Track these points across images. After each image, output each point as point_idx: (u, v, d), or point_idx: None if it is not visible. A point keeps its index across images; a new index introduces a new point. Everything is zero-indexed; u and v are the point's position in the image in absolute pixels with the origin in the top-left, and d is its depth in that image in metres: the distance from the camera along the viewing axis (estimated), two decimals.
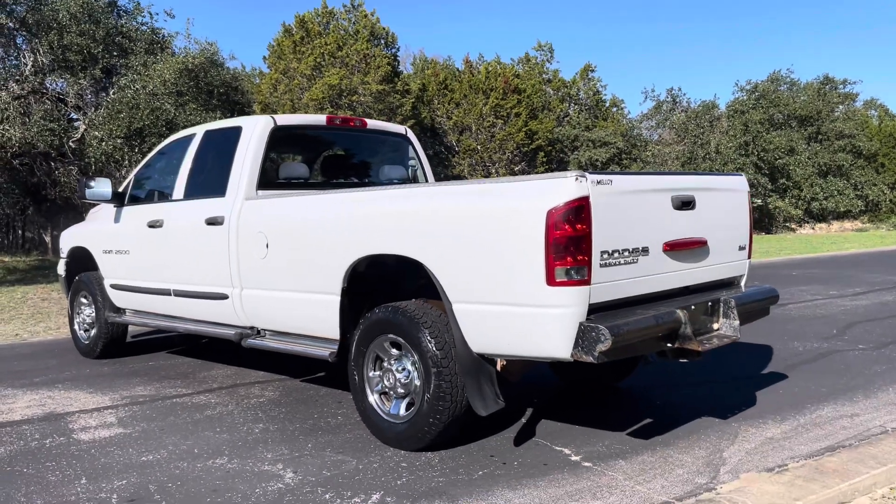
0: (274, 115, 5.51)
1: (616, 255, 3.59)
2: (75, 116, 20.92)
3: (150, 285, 6.10)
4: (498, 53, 47.09)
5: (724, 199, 4.45)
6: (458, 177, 25.72)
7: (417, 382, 4.08)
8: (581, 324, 3.42)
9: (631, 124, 35.12)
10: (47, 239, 33.09)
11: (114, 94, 20.06)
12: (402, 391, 4.19)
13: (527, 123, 26.74)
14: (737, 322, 4.10)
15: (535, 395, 5.29)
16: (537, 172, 27.73)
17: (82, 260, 7.15)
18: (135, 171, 6.54)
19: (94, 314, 6.97)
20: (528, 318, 3.54)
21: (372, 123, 6.15)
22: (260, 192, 5.30)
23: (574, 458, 4.03)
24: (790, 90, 37.70)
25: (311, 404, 5.22)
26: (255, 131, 5.38)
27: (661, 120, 39.30)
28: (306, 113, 22.95)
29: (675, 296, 4.10)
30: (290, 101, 23.32)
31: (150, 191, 6.44)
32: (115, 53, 20.72)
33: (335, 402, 5.28)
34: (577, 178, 3.42)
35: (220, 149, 5.71)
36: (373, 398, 4.33)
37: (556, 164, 29.82)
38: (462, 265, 3.78)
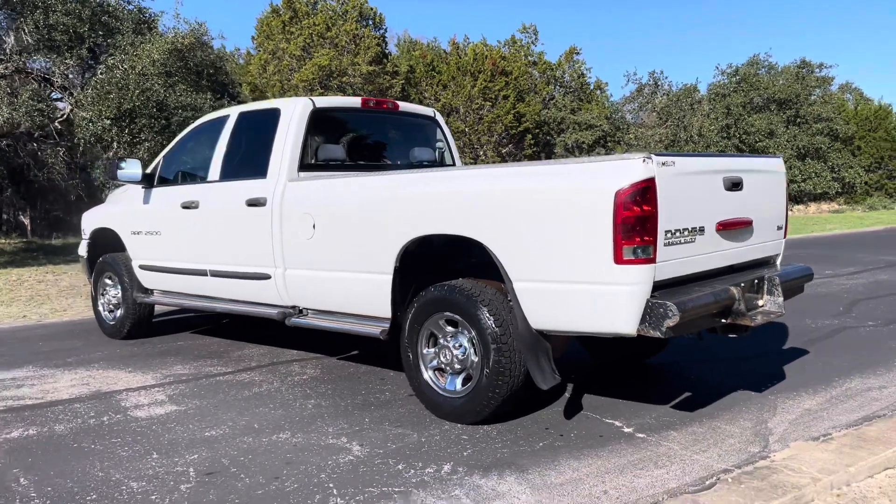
0: (312, 97, 5.57)
1: (677, 234, 3.74)
2: (60, 96, 20.64)
3: (184, 266, 6.15)
4: (484, 35, 46.84)
5: (766, 181, 4.62)
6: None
7: (475, 358, 4.22)
8: (649, 300, 3.57)
9: (615, 107, 35.35)
10: (25, 221, 32.63)
11: (101, 73, 19.82)
12: (459, 367, 4.32)
13: (515, 106, 26.82)
14: (781, 298, 4.28)
15: (572, 372, 5.45)
16: (525, 155, 27.89)
17: (106, 241, 7.18)
18: (163, 152, 6.56)
19: (119, 295, 7.00)
20: (594, 296, 3.68)
21: (403, 106, 6.23)
22: (301, 174, 5.37)
23: (626, 429, 4.20)
24: (769, 74, 38.18)
25: (354, 381, 5.34)
26: (294, 113, 5.44)
27: (644, 103, 39.56)
28: (296, 94, 22.84)
29: (721, 274, 4.27)
30: (280, 82, 23.18)
31: (182, 172, 6.47)
32: (101, 33, 20.45)
33: (377, 378, 5.40)
34: (643, 160, 3.55)
35: (257, 130, 5.76)
36: (428, 374, 4.46)
37: (544, 146, 29.97)
38: (525, 245, 3.90)
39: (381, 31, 25.63)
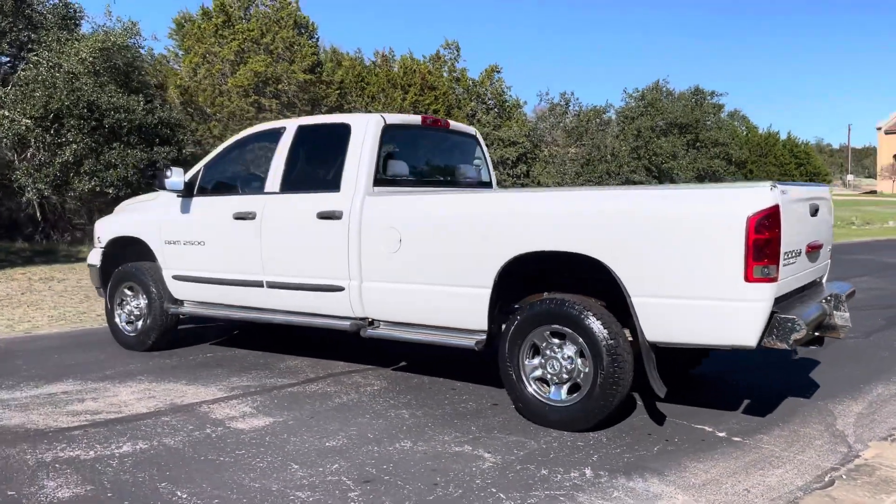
0: (382, 114, 5.70)
1: (789, 255, 4.17)
2: None
3: (234, 277, 6.09)
4: (410, 49, 47.20)
5: (827, 207, 5.14)
6: None
7: (586, 369, 4.48)
8: (777, 315, 3.96)
9: (533, 125, 36.48)
10: None
11: (23, 70, 18.81)
12: (566, 377, 4.58)
13: None
14: (847, 313, 4.79)
15: None
16: None
17: (124, 251, 6.99)
18: (203, 162, 6.46)
19: (142, 305, 6.81)
20: (722, 311, 4.04)
21: (453, 124, 6.45)
22: (376, 189, 5.49)
23: (720, 434, 4.58)
24: (667, 99, 40.52)
25: (426, 391, 5.48)
26: (368, 129, 5.56)
27: (556, 122, 41.00)
28: (230, 99, 22.37)
29: (798, 292, 4.74)
30: (212, 87, 22.62)
31: (228, 182, 6.41)
32: (22, 27, 19.42)
33: (448, 388, 5.56)
34: (771, 188, 3.96)
35: (324, 144, 5.84)
36: (531, 385, 4.69)
37: None
38: (648, 263, 4.22)
39: (314, 40, 25.50)
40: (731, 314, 4.03)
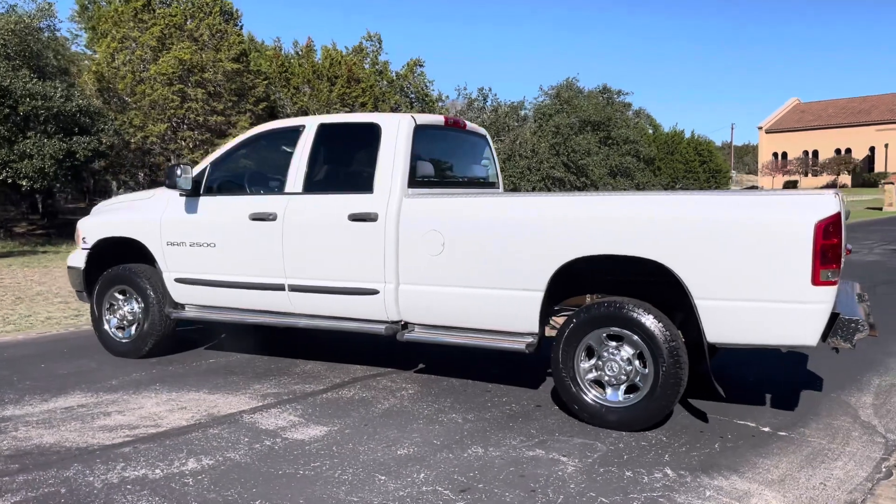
0: (412, 115, 5.62)
1: (842, 259, 4.40)
2: None
3: (250, 280, 5.86)
4: (334, 40, 46.33)
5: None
6: None
7: (644, 370, 4.59)
8: (842, 317, 4.19)
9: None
10: None
11: None
12: (624, 378, 4.67)
13: None
14: (870, 314, 5.10)
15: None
16: None
17: (113, 252, 6.61)
18: (209, 160, 6.16)
19: (136, 310, 6.45)
20: (789, 313, 4.23)
21: (469, 125, 6.42)
22: (410, 191, 5.41)
23: (764, 429, 4.79)
24: (580, 97, 41.68)
25: (464, 394, 5.45)
26: (400, 130, 5.47)
27: (474, 117, 41.38)
28: (153, 87, 21.36)
29: None
30: (132, 74, 21.54)
31: (239, 182, 6.15)
32: None
33: (481, 391, 5.56)
34: (834, 195, 4.17)
35: (350, 144, 5.71)
36: (587, 388, 4.76)
37: None
38: (714, 266, 4.36)
39: (239, 27, 24.71)
40: (798, 316, 4.22)
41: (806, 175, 75.82)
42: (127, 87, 21.61)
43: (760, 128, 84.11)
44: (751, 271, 4.29)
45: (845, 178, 72.30)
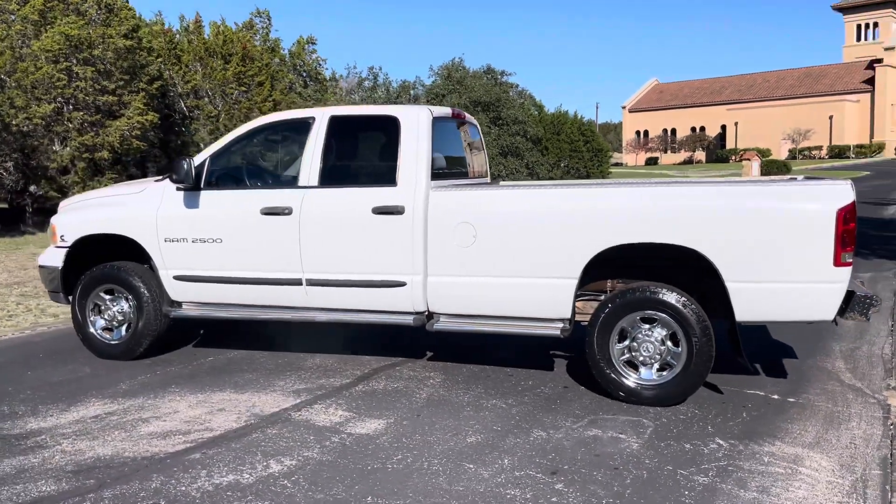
0: (428, 107, 5.68)
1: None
2: None
3: (263, 275, 5.75)
4: (223, 16, 44.19)
5: None
6: (196, 143, 24.23)
7: (677, 349, 4.94)
8: (858, 294, 4.68)
9: (349, 99, 36.21)
10: None
11: None
12: (658, 357, 5.01)
13: (271, 94, 26.27)
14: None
15: None
16: None
17: (96, 250, 6.27)
18: (208, 152, 5.93)
19: (126, 309, 6.16)
20: (812, 292, 4.69)
21: (466, 116, 6.53)
22: (433, 183, 5.49)
23: (775, 396, 5.27)
24: (467, 77, 42.26)
25: (491, 380, 5.62)
26: (420, 123, 5.53)
27: (366, 96, 41.04)
28: (37, 65, 19.80)
29: None
30: (11, 50, 19.88)
31: (243, 176, 5.97)
32: None
33: (506, 375, 5.75)
34: (850, 185, 4.65)
35: (368, 137, 5.72)
36: (622, 368, 5.06)
37: None
38: (743, 251, 4.75)
39: (126, 2, 23.25)
40: (820, 294, 4.69)
41: (665, 152, 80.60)
42: (6, 65, 19.93)
43: (624, 107, 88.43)
44: (777, 255, 4.71)
45: (700, 155, 77.45)
